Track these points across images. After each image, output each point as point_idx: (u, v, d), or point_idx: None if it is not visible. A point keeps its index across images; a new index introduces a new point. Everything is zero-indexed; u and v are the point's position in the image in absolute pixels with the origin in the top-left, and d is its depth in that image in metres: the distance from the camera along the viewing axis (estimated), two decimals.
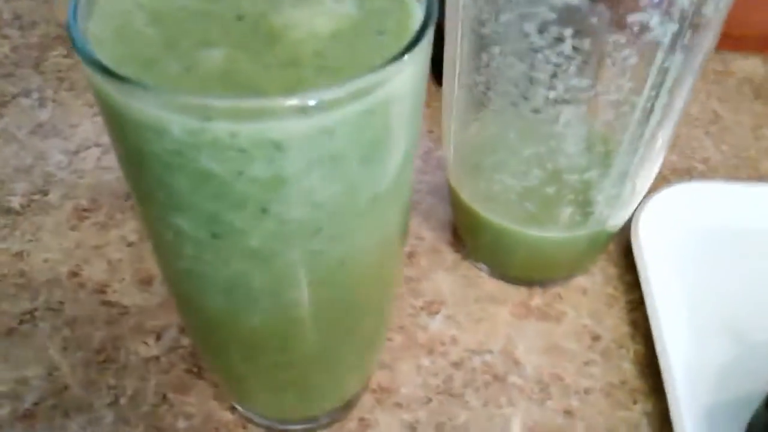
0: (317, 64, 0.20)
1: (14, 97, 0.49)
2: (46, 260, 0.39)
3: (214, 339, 0.28)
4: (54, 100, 0.49)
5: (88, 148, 0.45)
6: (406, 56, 0.19)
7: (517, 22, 0.27)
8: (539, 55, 0.27)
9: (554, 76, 0.28)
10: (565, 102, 0.28)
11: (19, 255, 0.39)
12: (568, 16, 0.26)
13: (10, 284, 0.38)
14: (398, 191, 0.24)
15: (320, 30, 0.21)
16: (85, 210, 0.42)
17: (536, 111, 0.29)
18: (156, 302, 0.38)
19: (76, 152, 0.45)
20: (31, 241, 0.40)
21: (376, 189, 0.22)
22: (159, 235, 0.24)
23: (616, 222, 0.35)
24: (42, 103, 0.49)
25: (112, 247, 0.40)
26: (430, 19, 0.20)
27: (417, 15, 0.22)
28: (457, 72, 0.31)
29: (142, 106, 0.18)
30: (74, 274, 0.39)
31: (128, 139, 0.20)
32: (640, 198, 0.34)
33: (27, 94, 0.49)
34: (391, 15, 0.22)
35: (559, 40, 0.27)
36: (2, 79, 0.50)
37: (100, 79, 0.19)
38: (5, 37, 0.54)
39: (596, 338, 0.37)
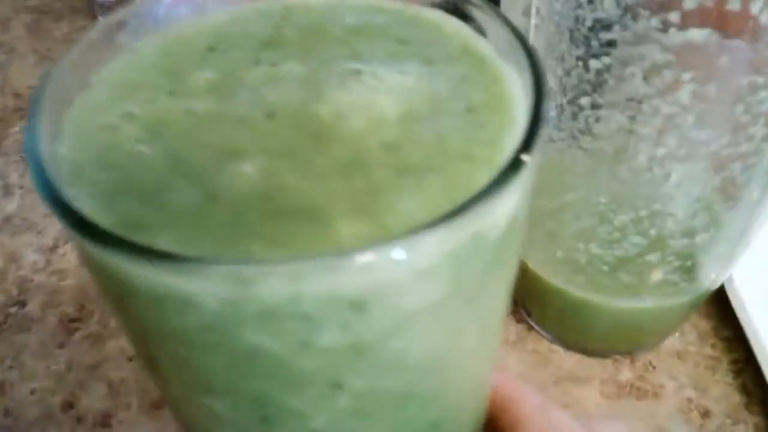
0: (393, 163, 0.14)
1: None
2: (33, 391, 0.32)
3: None
4: (21, 187, 0.42)
5: (67, 241, 0.38)
6: (530, 148, 0.13)
7: (616, 66, 0.21)
8: (645, 106, 0.21)
9: (664, 129, 0.22)
10: (678, 159, 0.22)
11: (1, 388, 0.33)
12: (688, 58, 0.20)
13: None
14: (502, 317, 0.18)
15: (385, 113, 0.15)
16: (72, 320, 0.35)
17: (637, 172, 0.23)
18: (171, 431, 0.31)
19: (54, 248, 0.38)
20: (12, 367, 0.33)
21: (483, 328, 0.16)
22: (184, 414, 0.18)
23: (721, 279, 0.29)
24: (7, 191, 0.41)
25: (111, 364, 0.33)
26: (543, 86, 0.14)
27: (509, 77, 0.16)
28: None
29: (152, 276, 0.12)
30: (69, 405, 0.32)
31: (135, 314, 0.14)
32: (748, 249, 0.28)
33: None
34: (476, 83, 0.16)
35: (674, 86, 0.20)
36: None
37: (81, 239, 0.12)
38: None
39: (706, 414, 0.31)
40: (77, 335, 0.34)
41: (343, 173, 0.14)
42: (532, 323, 0.34)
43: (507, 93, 0.15)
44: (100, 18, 0.41)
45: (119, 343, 0.34)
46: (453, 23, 0.17)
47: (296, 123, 0.15)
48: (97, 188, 0.14)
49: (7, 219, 0.40)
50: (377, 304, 0.13)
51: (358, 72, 0.16)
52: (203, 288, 0.12)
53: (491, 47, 0.17)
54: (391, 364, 0.14)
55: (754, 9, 0.18)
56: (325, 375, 0.14)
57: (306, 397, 0.14)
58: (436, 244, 0.12)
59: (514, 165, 0.13)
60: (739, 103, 0.20)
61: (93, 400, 0.32)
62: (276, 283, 0.12)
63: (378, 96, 0.15)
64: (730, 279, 0.32)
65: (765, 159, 0.22)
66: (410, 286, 0.13)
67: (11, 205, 0.41)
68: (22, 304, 0.36)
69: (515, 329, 0.34)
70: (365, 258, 0.11)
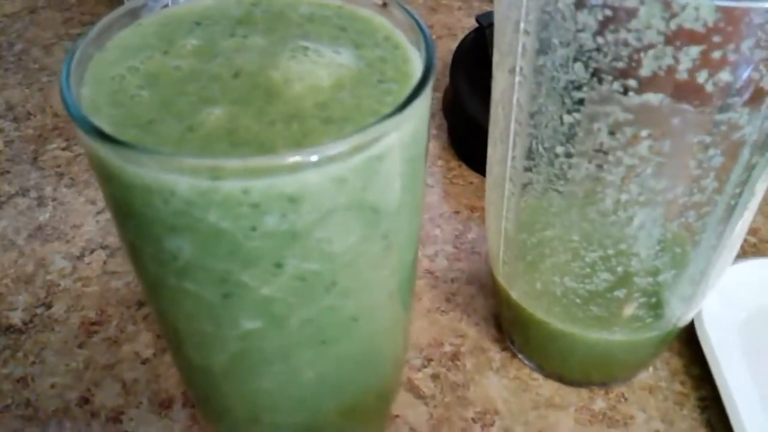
0: (322, 116, 0.19)
1: (11, 197, 0.45)
2: (53, 385, 0.35)
3: (218, 401, 0.26)
4: (54, 198, 0.45)
5: (93, 251, 0.42)
6: (412, 103, 0.18)
7: (585, 122, 0.24)
8: (610, 156, 0.24)
9: (627, 178, 0.25)
10: (639, 205, 0.25)
11: (24, 381, 0.36)
12: (645, 117, 0.23)
13: (15, 416, 0.34)
14: (408, 241, 0.23)
15: (321, 82, 0.20)
16: (93, 323, 0.38)
17: (604, 214, 0.26)
18: (178, 430, 0.34)
19: (80, 257, 0.42)
20: (35, 363, 0.36)
21: (389, 238, 0.21)
22: (161, 298, 0.22)
23: (687, 318, 0.31)
24: (41, 202, 0.45)
25: (125, 366, 0.36)
26: (432, 65, 0.20)
27: (415, 61, 0.21)
28: (508, 171, 0.28)
29: (146, 171, 0.17)
30: (85, 400, 0.35)
31: (130, 205, 0.19)
32: (713, 289, 0.31)
33: (24, 192, 0.46)
34: (390, 63, 0.21)
35: (634, 141, 0.23)
36: None
37: (98, 146, 0.18)
38: None
39: None
40: (96, 337, 0.38)
41: (285, 121, 0.19)
42: (515, 351, 0.36)
43: (410, 71, 0.21)
44: None
45: (134, 347, 0.37)
46: (379, 18, 0.23)
47: (255, 82, 0.20)
48: (110, 119, 0.19)
49: (40, 228, 0.43)
50: (306, 200, 0.18)
51: (305, 48, 0.21)
52: (182, 180, 0.17)
53: (405, 38, 0.22)
54: (318, 250, 0.19)
55: (700, 79, 0.21)
56: (270, 255, 0.19)
57: (257, 274, 0.19)
58: (341, 156, 0.17)
59: (396, 111, 0.18)
60: (691, 159, 0.23)
61: (107, 398, 0.35)
62: (233, 180, 0.17)
63: (317, 68, 0.20)
64: (700, 320, 0.35)
65: (717, 209, 0.25)
66: (327, 188, 0.18)
67: (44, 215, 0.44)
68: (48, 306, 0.39)
69: (499, 356, 0.37)
70: (293, 159, 0.17)
